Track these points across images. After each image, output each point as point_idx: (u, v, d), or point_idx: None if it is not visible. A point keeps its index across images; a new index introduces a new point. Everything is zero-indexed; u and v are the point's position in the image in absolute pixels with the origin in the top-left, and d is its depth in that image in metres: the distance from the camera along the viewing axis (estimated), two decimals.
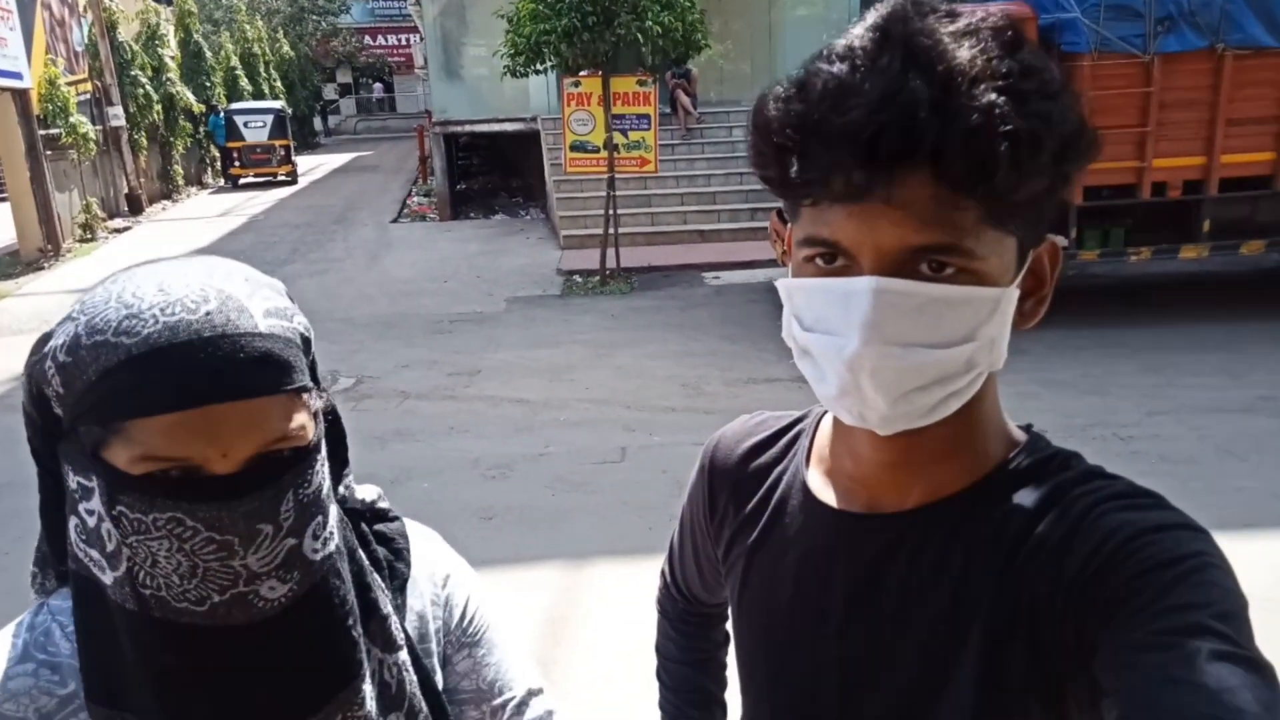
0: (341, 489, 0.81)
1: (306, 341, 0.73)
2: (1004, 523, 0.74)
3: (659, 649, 1.16)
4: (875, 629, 0.78)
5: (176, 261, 0.72)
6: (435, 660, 0.86)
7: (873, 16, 0.68)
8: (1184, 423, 5.56)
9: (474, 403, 6.65)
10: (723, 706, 1.14)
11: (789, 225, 0.77)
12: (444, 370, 7.50)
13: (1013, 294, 0.70)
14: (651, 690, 1.16)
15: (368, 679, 0.75)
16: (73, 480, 0.69)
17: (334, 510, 0.75)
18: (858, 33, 0.68)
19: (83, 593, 0.71)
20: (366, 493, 0.86)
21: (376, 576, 0.80)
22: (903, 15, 0.67)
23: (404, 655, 0.80)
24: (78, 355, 0.67)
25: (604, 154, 9.81)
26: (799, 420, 0.93)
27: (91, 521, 0.68)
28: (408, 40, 34.85)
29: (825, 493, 0.84)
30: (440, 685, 0.85)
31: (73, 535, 0.71)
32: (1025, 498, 0.74)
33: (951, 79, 0.63)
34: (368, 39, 35.96)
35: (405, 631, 0.82)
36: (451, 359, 7.81)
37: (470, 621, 0.90)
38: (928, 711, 0.76)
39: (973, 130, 0.62)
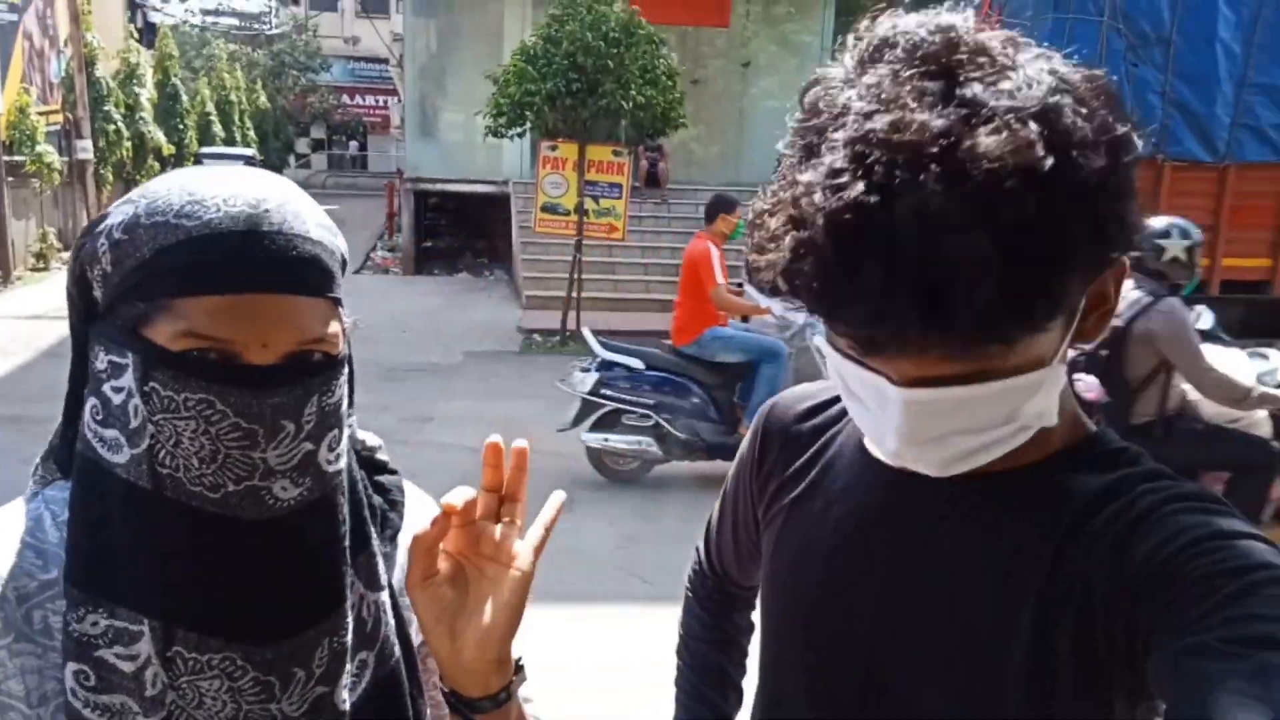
0: (347, 426, 0.81)
1: (343, 264, 0.77)
2: (1065, 505, 0.71)
3: (682, 625, 1.14)
4: (916, 595, 0.76)
5: (234, 168, 0.77)
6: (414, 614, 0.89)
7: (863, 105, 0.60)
8: None
9: (424, 449, 6.58)
10: (739, 692, 1.11)
11: None
12: (396, 415, 7.41)
13: (1058, 372, 0.67)
14: None
15: (350, 609, 0.76)
16: (102, 360, 0.71)
17: (347, 433, 0.77)
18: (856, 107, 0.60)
19: (85, 474, 0.71)
20: (369, 439, 0.87)
21: (369, 517, 0.82)
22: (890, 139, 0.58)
23: (384, 597, 0.81)
24: (134, 233, 0.69)
25: (574, 217, 9.96)
26: None
27: (117, 399, 0.69)
28: (385, 102, 35.29)
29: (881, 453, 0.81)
30: (416, 641, 0.86)
31: (87, 416, 0.72)
32: (1089, 483, 0.71)
33: (981, 221, 0.55)
34: (345, 97, 36.35)
35: (390, 580, 0.83)
36: (404, 405, 7.73)
37: None
38: (968, 688, 0.72)
39: (1017, 294, 0.57)
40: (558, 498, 0.80)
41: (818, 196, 0.59)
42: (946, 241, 0.56)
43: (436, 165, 15.55)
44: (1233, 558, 0.62)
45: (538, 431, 6.99)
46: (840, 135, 0.60)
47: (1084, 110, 0.59)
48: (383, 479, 0.87)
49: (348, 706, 0.76)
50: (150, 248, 0.68)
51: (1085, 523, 0.69)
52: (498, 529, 0.76)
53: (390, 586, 0.82)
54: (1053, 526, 0.70)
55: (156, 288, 0.68)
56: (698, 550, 1.13)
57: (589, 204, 9.92)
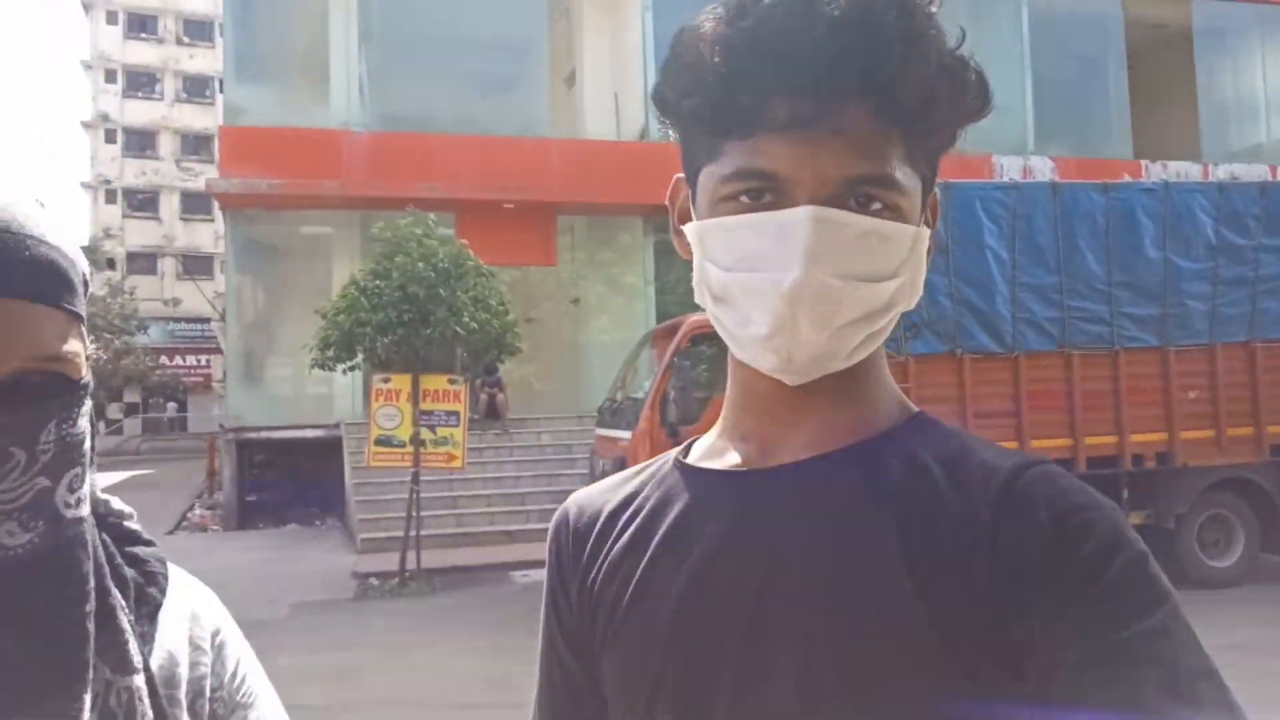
0: (87, 486, 0.70)
1: (85, 283, 0.69)
2: (907, 474, 0.71)
3: None
4: (782, 585, 0.71)
5: None
6: (181, 711, 0.76)
7: None
8: None
9: None
10: None
11: (697, 173, 0.74)
12: None
13: (925, 233, 0.73)
14: None
15: (88, 694, 0.64)
16: None
17: (90, 479, 0.68)
18: None
19: None
20: (115, 502, 0.77)
21: (118, 592, 0.70)
22: None
23: (140, 681, 0.69)
24: None
25: (410, 449, 9.63)
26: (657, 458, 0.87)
27: None
28: (207, 361, 34.38)
29: (716, 465, 0.79)
30: None
31: None
32: (932, 454, 0.72)
33: (911, 11, 0.67)
34: (164, 358, 35.12)
35: (147, 663, 0.71)
36: None
37: (243, 682, 0.83)
38: (849, 656, 0.67)
39: (927, 61, 0.66)
40: None
41: None
42: None
43: (261, 413, 14.98)
44: (1103, 536, 0.63)
45: (375, 682, 6.29)
46: None
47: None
48: (137, 550, 0.76)
49: None
50: None
51: (936, 498, 0.69)
52: None
53: (149, 671, 0.71)
54: (903, 495, 0.70)
55: None
56: None
57: (425, 434, 9.65)
